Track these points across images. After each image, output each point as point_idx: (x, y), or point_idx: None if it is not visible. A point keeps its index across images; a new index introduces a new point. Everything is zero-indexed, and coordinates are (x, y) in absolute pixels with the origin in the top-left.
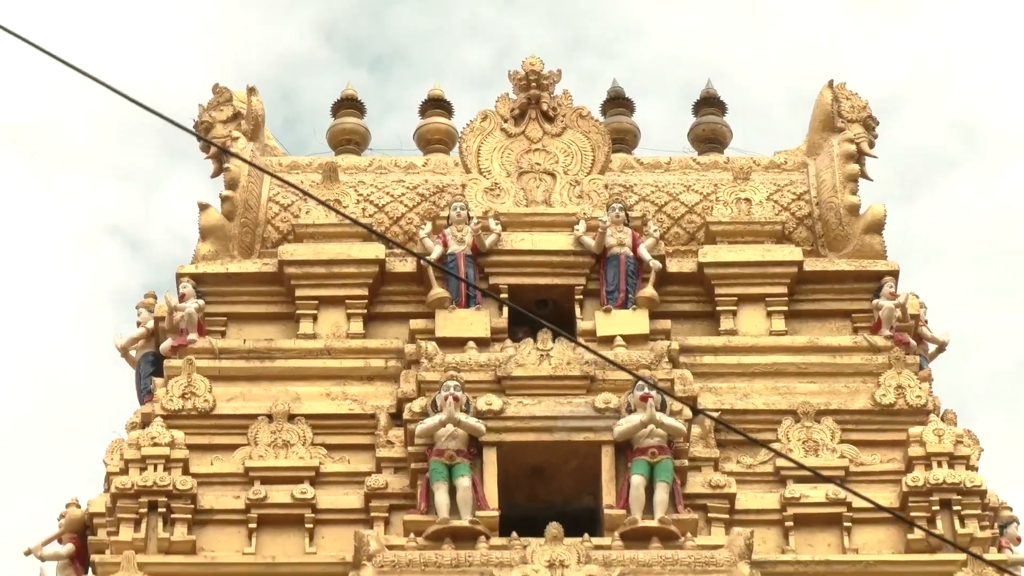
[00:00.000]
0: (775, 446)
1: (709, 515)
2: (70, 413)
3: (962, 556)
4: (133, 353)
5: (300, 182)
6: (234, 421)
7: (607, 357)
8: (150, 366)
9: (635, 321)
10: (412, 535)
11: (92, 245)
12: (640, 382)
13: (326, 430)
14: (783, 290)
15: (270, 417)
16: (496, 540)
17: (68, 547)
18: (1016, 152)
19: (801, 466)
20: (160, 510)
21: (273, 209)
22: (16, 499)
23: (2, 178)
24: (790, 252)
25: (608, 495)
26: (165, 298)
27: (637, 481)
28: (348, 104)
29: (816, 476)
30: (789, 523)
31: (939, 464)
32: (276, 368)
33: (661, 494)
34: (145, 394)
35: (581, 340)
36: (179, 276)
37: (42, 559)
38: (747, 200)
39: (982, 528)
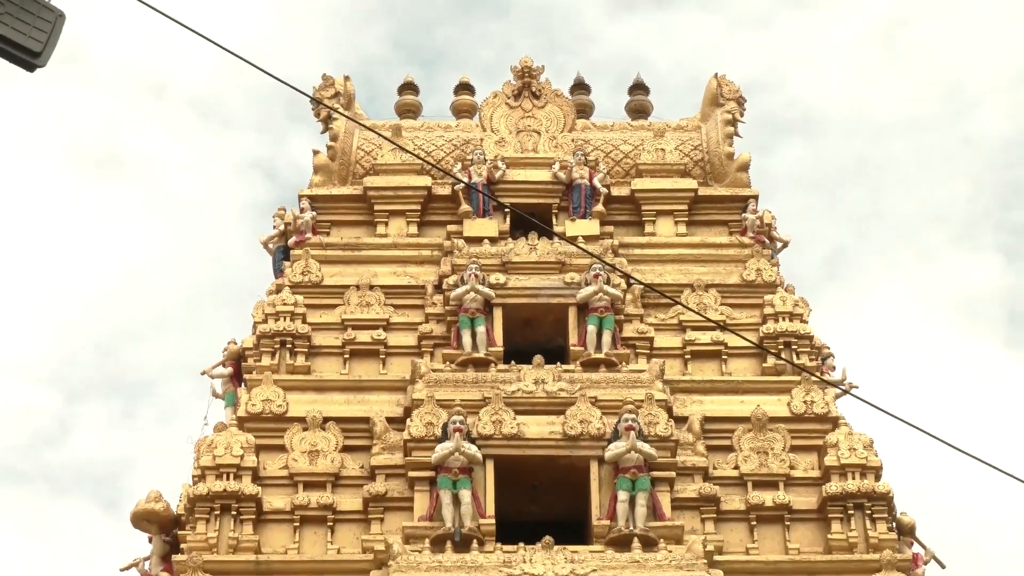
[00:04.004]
0: (679, 308)
1: (636, 351)
2: (230, 284)
3: (797, 378)
4: (271, 246)
5: (378, 137)
6: (334, 290)
7: (579, 246)
8: (281, 254)
9: (590, 227)
10: (447, 362)
11: (242, 175)
12: (594, 265)
13: (393, 296)
14: (685, 207)
15: (358, 287)
16: (501, 365)
17: (229, 370)
18: (833, 122)
19: (704, 317)
20: (288, 346)
21: (359, 154)
22: (198, 341)
23: (183, 132)
24: (689, 183)
25: (573, 338)
26: (291, 211)
27: (591, 329)
28: (408, 87)
29: (713, 322)
30: (687, 356)
31: (784, 319)
32: (362, 256)
33: (607, 337)
34: (278, 272)
35: (559, 236)
36: (300, 196)
37: (212, 377)
38: (662, 150)
39: (811, 360)
